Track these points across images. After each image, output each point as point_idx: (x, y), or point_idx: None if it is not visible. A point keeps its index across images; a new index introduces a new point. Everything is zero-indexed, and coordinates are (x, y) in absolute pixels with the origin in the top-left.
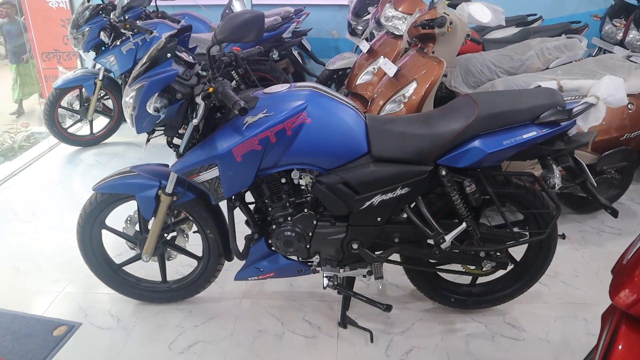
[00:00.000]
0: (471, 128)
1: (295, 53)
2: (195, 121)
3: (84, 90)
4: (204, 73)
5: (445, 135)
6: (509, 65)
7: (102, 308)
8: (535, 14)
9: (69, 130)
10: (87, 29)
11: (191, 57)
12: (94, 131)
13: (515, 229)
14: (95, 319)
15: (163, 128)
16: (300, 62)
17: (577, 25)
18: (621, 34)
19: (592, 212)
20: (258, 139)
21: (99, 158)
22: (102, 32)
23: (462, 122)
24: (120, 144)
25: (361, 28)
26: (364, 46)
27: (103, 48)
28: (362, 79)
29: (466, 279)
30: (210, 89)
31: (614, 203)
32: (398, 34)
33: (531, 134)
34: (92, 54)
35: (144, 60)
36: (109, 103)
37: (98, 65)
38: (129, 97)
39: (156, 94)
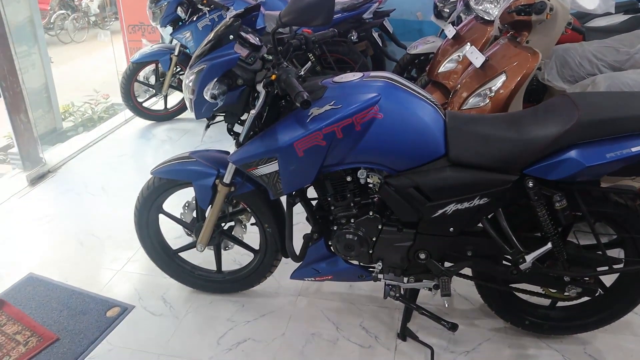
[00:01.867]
0: (568, 135)
1: (376, 35)
2: (253, 111)
3: (159, 65)
4: (270, 57)
5: (536, 142)
6: (613, 58)
7: (156, 292)
8: None
9: (144, 105)
10: (165, 3)
11: (258, 39)
12: (168, 106)
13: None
14: (149, 303)
15: (224, 114)
16: (381, 44)
17: None
18: None
19: None
20: (323, 133)
21: (171, 134)
22: (179, 7)
23: (558, 128)
24: (193, 121)
25: (448, 10)
26: (450, 31)
27: (180, 23)
28: (445, 66)
29: (545, 300)
30: (273, 77)
31: None
32: (488, 19)
33: None
34: (169, 29)
35: (209, 38)
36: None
37: (175, 41)
38: (188, 80)
39: (215, 79)
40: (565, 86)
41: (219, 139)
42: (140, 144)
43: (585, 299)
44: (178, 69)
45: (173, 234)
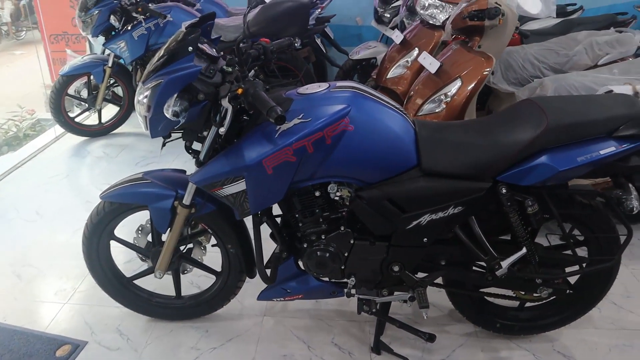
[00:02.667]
0: (539, 140)
1: (318, 41)
2: (222, 130)
3: (92, 77)
4: (229, 69)
5: (508, 148)
6: (554, 60)
7: (110, 324)
8: (575, 4)
9: (76, 120)
10: (97, 12)
11: (214, 50)
12: (103, 121)
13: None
14: (103, 337)
15: (181, 131)
16: (323, 50)
17: (624, 17)
18: None
19: (638, 223)
20: (293, 148)
21: (108, 150)
22: (112, 16)
23: (529, 133)
24: (131, 135)
25: (388, 15)
26: (397, 37)
27: (113, 33)
28: (394, 72)
29: (513, 302)
30: (239, 90)
31: None
32: (435, 24)
33: (609, 149)
34: (102, 39)
35: (161, 52)
36: (119, 91)
37: (107, 51)
38: (142, 96)
39: (175, 95)
40: (510, 89)
41: (164, 153)
42: (74, 162)
43: (553, 298)
44: (112, 81)
45: (122, 259)
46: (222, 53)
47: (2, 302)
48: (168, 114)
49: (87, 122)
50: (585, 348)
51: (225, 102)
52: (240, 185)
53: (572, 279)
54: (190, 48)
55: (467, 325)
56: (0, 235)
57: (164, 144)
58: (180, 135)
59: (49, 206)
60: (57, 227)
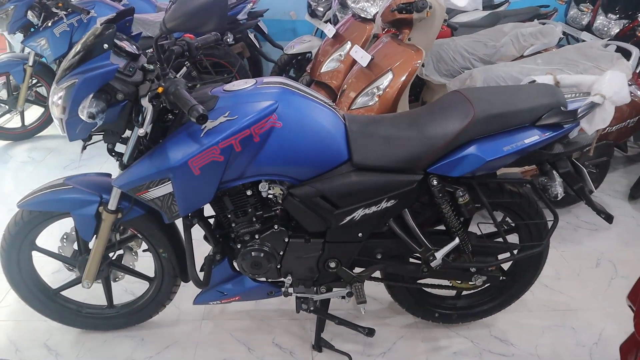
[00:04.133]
0: (467, 132)
1: (252, 36)
2: (141, 131)
3: (11, 77)
4: (151, 67)
5: (437, 140)
6: (483, 52)
7: (36, 340)
8: None
9: None
10: (12, 7)
11: (134, 47)
12: (26, 123)
13: None
14: (29, 354)
15: (102, 133)
16: (257, 45)
17: (547, 9)
18: (587, 19)
19: (566, 207)
20: (220, 147)
21: (33, 154)
22: (29, 12)
23: (457, 125)
24: (57, 138)
25: (322, 9)
26: (329, 30)
27: (32, 29)
28: (328, 66)
29: (451, 291)
30: (160, 89)
31: None
32: (366, 17)
33: (533, 138)
34: (20, 36)
35: (77, 49)
36: (43, 91)
37: (27, 49)
38: (57, 97)
39: (91, 95)
40: (443, 80)
41: (94, 155)
42: None
43: (488, 285)
44: (34, 81)
45: (49, 269)
46: (143, 50)
47: None
48: (83, 115)
49: (9, 125)
50: (520, 331)
51: (145, 102)
52: (166, 188)
53: (505, 266)
54: (105, 45)
55: (407, 317)
56: None
57: (84, 147)
58: (101, 138)
59: None
60: None
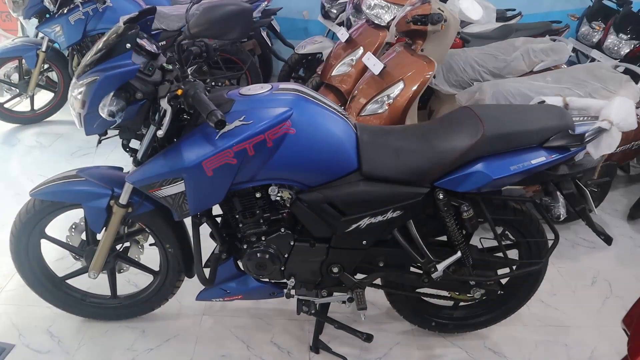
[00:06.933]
0: (475, 149)
1: (264, 34)
2: (160, 132)
3: (24, 61)
4: (170, 67)
5: (446, 155)
6: (493, 65)
7: (39, 326)
8: (514, 9)
9: (6, 106)
10: None
11: (154, 46)
12: (36, 108)
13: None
14: (32, 339)
15: (118, 129)
16: (269, 43)
17: (558, 25)
18: (598, 37)
19: (566, 223)
20: (234, 151)
21: (41, 139)
22: None
23: (466, 141)
24: (66, 123)
25: (335, 11)
26: (342, 34)
27: (47, 15)
28: (339, 70)
29: (448, 301)
30: (179, 91)
31: None
32: (380, 24)
33: (540, 159)
34: (35, 21)
35: (99, 46)
36: (54, 76)
37: (41, 35)
38: (77, 92)
39: (112, 94)
40: (452, 90)
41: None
42: (3, 151)
43: (486, 298)
44: (46, 66)
45: (53, 256)
46: (162, 48)
47: None
48: (103, 113)
49: (18, 109)
50: (514, 344)
51: (164, 103)
52: (179, 187)
53: (503, 280)
54: (128, 45)
55: (403, 324)
56: None
57: (99, 142)
58: (116, 133)
59: None
60: None
